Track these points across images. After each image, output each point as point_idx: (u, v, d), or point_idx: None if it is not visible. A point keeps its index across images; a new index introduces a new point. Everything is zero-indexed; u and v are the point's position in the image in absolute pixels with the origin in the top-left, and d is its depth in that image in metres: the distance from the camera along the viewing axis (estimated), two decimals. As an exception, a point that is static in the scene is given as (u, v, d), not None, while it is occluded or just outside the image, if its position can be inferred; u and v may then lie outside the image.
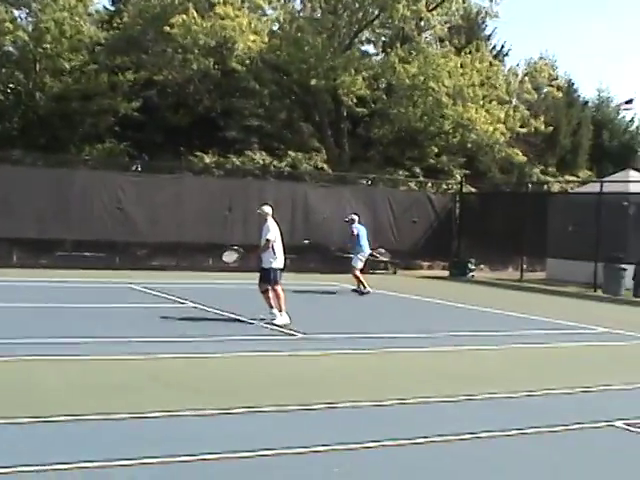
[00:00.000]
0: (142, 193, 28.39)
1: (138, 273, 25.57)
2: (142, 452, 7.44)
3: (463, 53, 37.73)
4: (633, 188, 29.76)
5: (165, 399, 9.57)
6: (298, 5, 39.39)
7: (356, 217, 24.34)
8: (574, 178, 41.74)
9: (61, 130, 35.58)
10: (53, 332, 13.90)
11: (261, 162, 35.64)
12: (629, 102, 49.55)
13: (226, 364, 12.18)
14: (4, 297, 18.77)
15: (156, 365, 11.69)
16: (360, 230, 23.89)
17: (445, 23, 39.77)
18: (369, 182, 36.29)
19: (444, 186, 37.50)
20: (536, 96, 41.63)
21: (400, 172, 37.99)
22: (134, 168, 32.29)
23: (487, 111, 36.86)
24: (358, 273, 23.34)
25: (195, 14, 35.07)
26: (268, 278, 16.19)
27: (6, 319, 15.35)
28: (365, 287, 23.06)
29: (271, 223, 16.39)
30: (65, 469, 6.93)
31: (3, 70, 36.58)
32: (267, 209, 16.65)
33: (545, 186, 39.37)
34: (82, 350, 12.30)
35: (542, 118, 39.83)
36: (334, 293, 23.80)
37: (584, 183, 38.18)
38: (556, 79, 43.74)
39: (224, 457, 7.45)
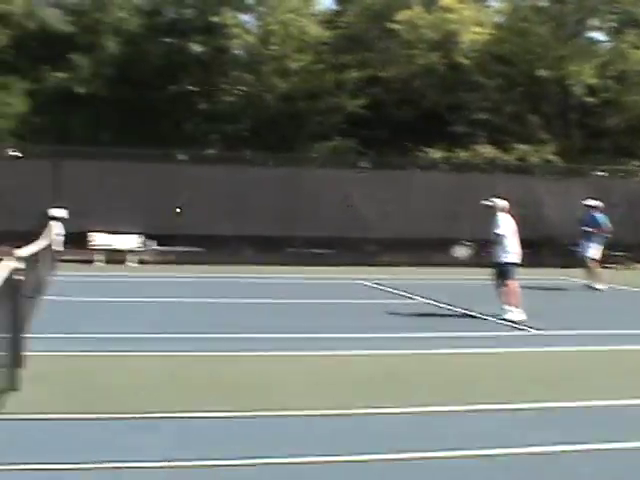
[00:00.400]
0: (371, 189, 28.58)
1: (368, 269, 25.70)
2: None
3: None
4: None
5: (400, 395, 9.46)
6: (522, -5, 38.68)
7: (594, 202, 23.13)
8: None
9: (289, 129, 36.32)
10: (287, 328, 14.09)
11: (489, 156, 35.15)
12: None
13: (459, 361, 11.95)
14: (241, 293, 19.39)
15: (390, 361, 11.61)
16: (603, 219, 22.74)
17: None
18: (602, 174, 35.03)
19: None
20: None
21: (634, 162, 36.62)
22: (362, 165, 32.52)
23: None
24: (597, 265, 22.45)
25: (419, 9, 35.05)
26: (501, 273, 15.86)
27: (242, 315, 15.73)
28: (599, 282, 22.15)
29: (502, 217, 16.02)
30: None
31: (234, 73, 37.72)
32: (496, 201, 16.31)
33: None
34: (318, 345, 12.40)
35: None
36: (570, 289, 23.01)
37: None
38: None
39: (460, 455, 7.29)
